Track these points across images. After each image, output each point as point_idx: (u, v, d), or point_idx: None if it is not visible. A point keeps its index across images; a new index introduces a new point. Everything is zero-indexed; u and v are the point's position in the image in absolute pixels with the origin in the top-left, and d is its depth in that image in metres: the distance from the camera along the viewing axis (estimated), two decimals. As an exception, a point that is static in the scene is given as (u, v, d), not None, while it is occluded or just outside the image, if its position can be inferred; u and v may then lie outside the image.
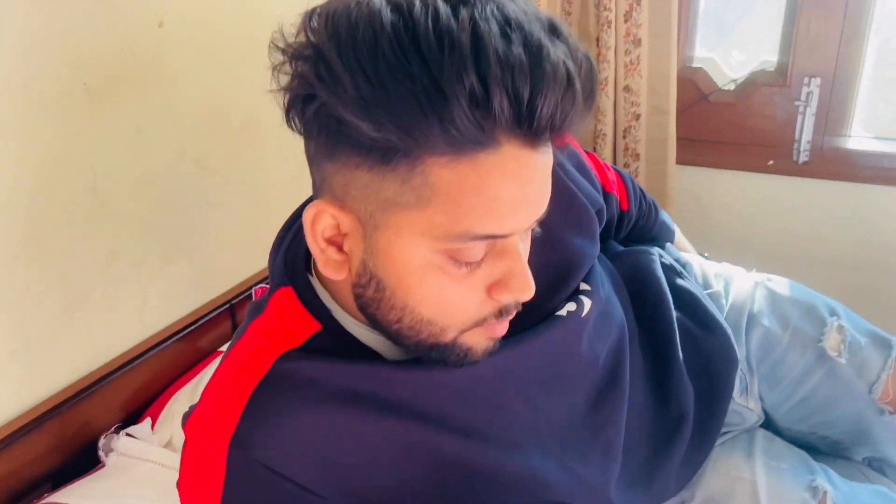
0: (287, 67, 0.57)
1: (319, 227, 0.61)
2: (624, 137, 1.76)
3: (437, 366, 0.66)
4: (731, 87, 1.80)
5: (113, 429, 1.05)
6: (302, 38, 0.56)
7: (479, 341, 0.65)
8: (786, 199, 1.81)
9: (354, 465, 0.66)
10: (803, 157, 1.76)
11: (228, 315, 1.25)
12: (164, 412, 1.08)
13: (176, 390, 1.11)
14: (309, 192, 0.67)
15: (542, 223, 0.67)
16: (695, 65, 1.81)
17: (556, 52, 0.52)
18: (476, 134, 0.52)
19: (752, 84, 1.77)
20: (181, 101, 1.10)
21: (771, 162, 1.79)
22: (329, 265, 0.63)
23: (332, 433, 0.65)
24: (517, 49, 0.50)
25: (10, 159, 0.88)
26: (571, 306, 0.77)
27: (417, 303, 0.61)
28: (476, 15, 0.51)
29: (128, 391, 1.08)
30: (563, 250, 0.79)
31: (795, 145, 1.76)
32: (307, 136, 0.60)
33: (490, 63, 0.50)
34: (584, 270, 0.81)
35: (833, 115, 1.71)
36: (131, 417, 1.09)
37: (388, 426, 0.67)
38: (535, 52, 0.51)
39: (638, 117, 1.73)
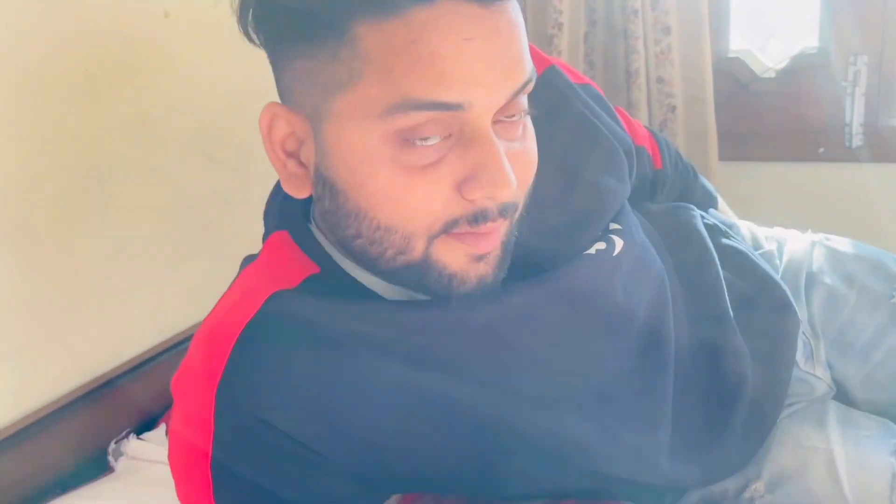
0: None
1: (276, 135, 0.57)
2: (661, 131, 1.68)
3: (446, 305, 0.59)
4: (772, 74, 1.72)
5: (124, 433, 0.99)
6: None
7: (458, 259, 0.56)
8: (841, 188, 1.70)
9: (357, 417, 0.59)
10: (856, 141, 1.65)
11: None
12: (178, 416, 1.01)
13: (192, 393, 1.05)
14: None
15: (562, 157, 0.60)
16: (731, 56, 1.74)
17: None
18: None
19: (793, 70, 1.69)
20: (188, 94, 1.08)
21: (822, 149, 1.69)
22: (291, 181, 0.58)
23: (328, 378, 0.58)
24: None
25: (9, 148, 0.85)
26: (601, 245, 0.69)
27: (372, 203, 0.53)
28: None
29: (141, 396, 1.03)
30: (588, 188, 0.71)
31: (846, 129, 1.65)
32: (263, 45, 0.56)
33: None
34: (614, 209, 0.73)
35: (885, 92, 1.62)
36: (147, 423, 1.03)
37: (390, 371, 0.59)
38: None
39: (674, 109, 1.65)
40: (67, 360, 0.95)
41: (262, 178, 1.18)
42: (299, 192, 0.57)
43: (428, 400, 0.60)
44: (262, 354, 0.56)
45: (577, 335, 0.66)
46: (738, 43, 1.76)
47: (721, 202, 1.09)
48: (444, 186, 0.52)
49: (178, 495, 0.61)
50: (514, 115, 0.54)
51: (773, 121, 1.73)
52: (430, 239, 0.54)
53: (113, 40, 0.97)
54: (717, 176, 1.71)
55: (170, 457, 0.61)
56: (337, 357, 0.57)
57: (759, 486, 0.78)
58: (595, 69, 1.70)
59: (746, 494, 0.78)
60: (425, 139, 0.50)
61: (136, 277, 1.03)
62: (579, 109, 0.73)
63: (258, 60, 1.14)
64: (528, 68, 0.53)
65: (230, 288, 0.63)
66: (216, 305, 0.62)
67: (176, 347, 1.07)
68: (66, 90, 0.92)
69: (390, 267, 0.56)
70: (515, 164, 0.53)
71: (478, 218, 0.53)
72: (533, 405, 0.63)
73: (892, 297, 0.87)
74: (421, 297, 0.61)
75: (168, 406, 1.06)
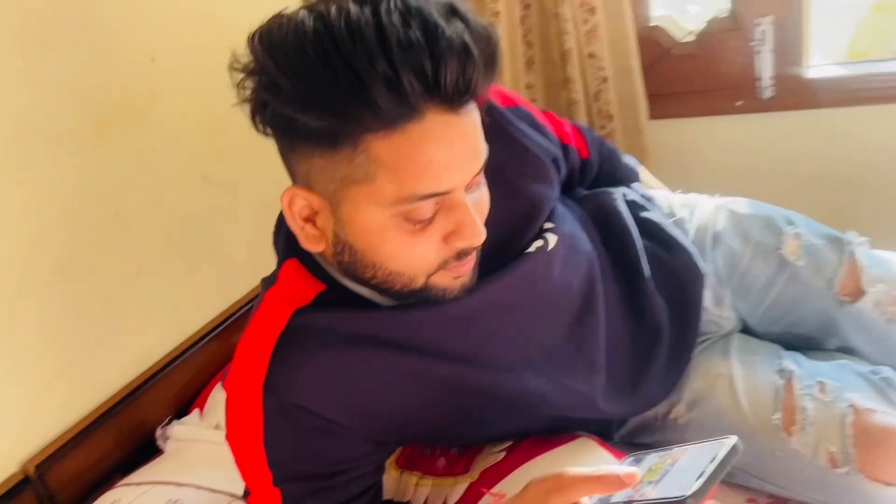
0: (242, 84, 0.70)
1: (295, 208, 0.74)
2: (596, 101, 1.86)
3: (428, 305, 0.78)
4: (691, 38, 1.90)
5: (166, 421, 1.18)
6: (249, 57, 0.69)
7: (448, 282, 0.76)
8: (758, 136, 1.91)
9: (369, 397, 0.79)
10: (768, 93, 1.85)
11: (253, 313, 1.37)
12: (208, 402, 1.20)
13: (216, 382, 1.24)
14: None
15: (501, 175, 0.78)
16: (653, 24, 1.92)
17: (453, 29, 0.63)
18: (398, 109, 0.63)
19: (709, 33, 1.87)
20: (181, 124, 1.23)
21: (739, 102, 1.89)
22: (308, 239, 0.76)
23: (346, 371, 0.77)
24: (415, 33, 0.61)
25: (41, 192, 1.01)
26: (539, 243, 0.89)
27: (384, 259, 0.72)
28: (381, 9, 0.63)
29: (174, 388, 1.21)
30: (524, 197, 0.90)
31: (758, 83, 1.85)
32: (273, 136, 0.73)
33: (393, 48, 0.61)
34: (546, 212, 0.92)
35: (789, 48, 1.81)
36: (181, 411, 1.22)
37: (395, 361, 0.79)
38: (431, 32, 0.62)
39: (606, 80, 1.83)
40: (107, 367, 1.13)
41: (247, 191, 1.36)
42: (315, 247, 0.75)
43: (424, 378, 0.80)
44: (293, 357, 0.76)
45: (527, 314, 0.86)
46: (659, 10, 1.93)
47: (643, 172, 1.28)
48: (435, 241, 0.71)
49: (238, 466, 0.81)
50: (476, 177, 0.72)
51: (694, 80, 1.92)
52: (429, 276, 0.74)
53: (113, 89, 1.12)
54: (649, 134, 1.91)
55: (228, 438, 0.80)
56: (350, 354, 0.77)
57: (680, 409, 1.00)
58: (533, 48, 1.87)
59: (672, 416, 1.00)
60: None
61: (154, 290, 1.20)
62: (510, 134, 0.91)
63: (232, 90, 1.30)
64: (485, 149, 0.71)
65: (260, 307, 0.81)
66: (251, 321, 0.81)
67: (195, 345, 1.25)
68: (81, 138, 1.07)
69: (396, 291, 0.75)
70: (479, 208, 0.73)
71: (460, 256, 0.73)
72: (500, 370, 0.84)
73: (779, 248, 1.08)
74: (406, 302, 0.81)
75: (196, 394, 1.25)
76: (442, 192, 0.68)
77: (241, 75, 0.71)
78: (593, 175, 1.17)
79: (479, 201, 0.75)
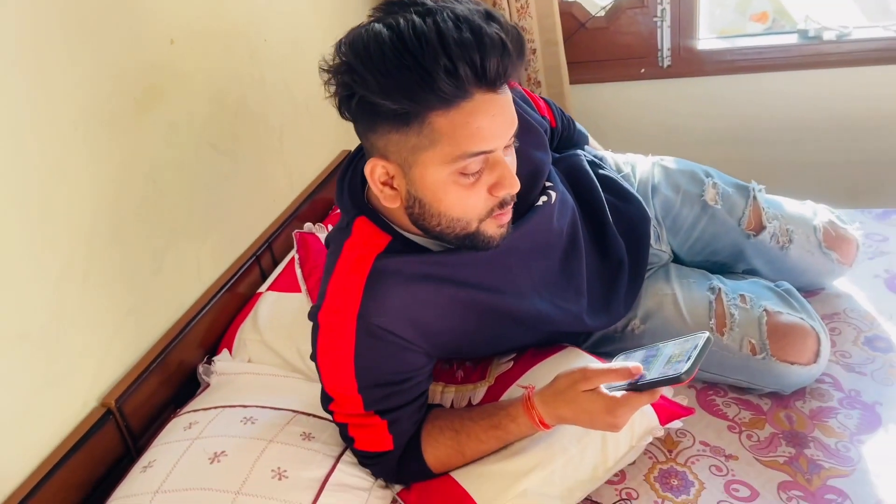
0: (330, 80, 0.91)
1: (376, 175, 0.95)
2: (526, 70, 2.12)
3: (471, 251, 1.02)
4: (602, 13, 2.19)
5: (204, 360, 1.35)
6: (337, 59, 0.91)
7: (493, 229, 1.00)
8: (659, 98, 2.24)
9: (430, 321, 1.02)
10: (667, 62, 2.18)
11: (256, 265, 1.55)
12: (235, 342, 1.38)
13: (238, 325, 1.41)
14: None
15: (518, 148, 1.02)
16: (571, 0, 2.19)
17: (491, 30, 0.86)
18: (456, 92, 0.86)
19: (618, 9, 2.17)
20: (195, 99, 1.37)
21: (643, 70, 2.21)
22: (387, 198, 0.97)
23: (416, 302, 1.00)
24: (466, 34, 0.84)
25: (96, 165, 1.14)
26: (544, 198, 1.14)
27: (447, 208, 0.95)
28: (438, 19, 0.85)
29: (202, 333, 1.38)
30: (530, 161, 1.14)
31: (659, 53, 2.17)
32: (355, 121, 0.94)
33: (451, 47, 0.84)
34: (546, 173, 1.17)
35: (683, 24, 2.13)
36: (210, 351, 1.39)
37: (447, 292, 1.03)
38: (477, 34, 0.85)
39: (535, 51, 2.09)
40: (154, 315, 1.29)
41: (245, 157, 1.52)
42: (392, 204, 0.96)
43: (467, 304, 1.04)
44: (380, 291, 0.98)
45: (536, 253, 1.12)
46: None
47: (591, 138, 1.56)
48: (483, 192, 0.95)
49: (325, 380, 1.03)
50: (510, 142, 0.96)
51: (606, 50, 2.22)
52: (480, 221, 0.97)
53: (145, 70, 1.24)
54: (570, 97, 2.19)
55: (319, 358, 1.02)
56: (418, 288, 1.00)
57: (636, 322, 1.30)
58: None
59: (629, 328, 1.30)
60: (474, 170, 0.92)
61: (183, 248, 1.35)
62: (519, 112, 1.14)
63: (241, 68, 1.46)
64: (516, 119, 0.95)
65: (342, 255, 1.01)
66: (338, 266, 1.01)
67: (216, 295, 1.41)
68: (123, 113, 1.19)
69: (455, 236, 0.97)
70: (512, 166, 0.96)
71: (502, 204, 0.97)
72: (519, 298, 1.09)
73: (702, 195, 1.39)
74: (452, 247, 1.03)
75: (220, 337, 1.42)
76: (488, 150, 0.92)
77: (327, 75, 0.91)
78: (559, 141, 1.43)
79: (511, 161, 0.99)
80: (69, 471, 1.08)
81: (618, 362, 0.99)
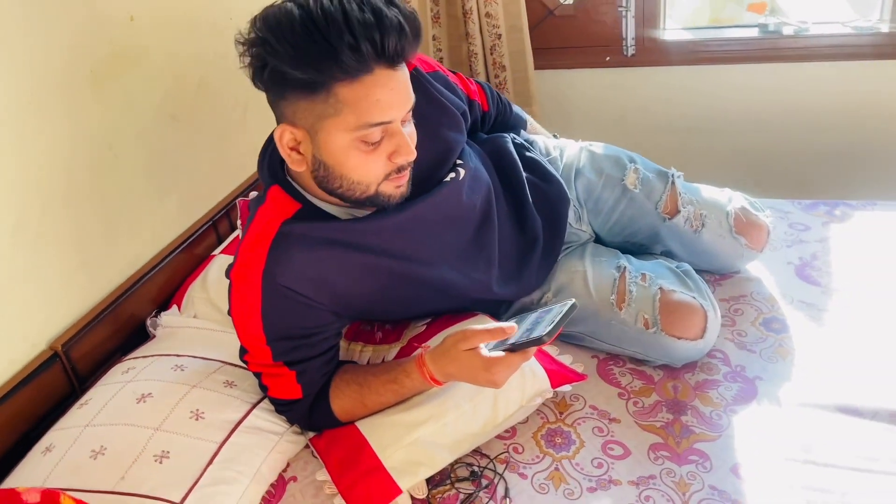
0: (245, 52, 1.01)
1: (284, 140, 1.06)
2: (491, 54, 2.20)
3: (376, 217, 1.12)
4: (570, 1, 2.26)
5: (153, 314, 1.48)
6: (252, 34, 1.01)
7: (392, 190, 1.09)
8: (622, 86, 2.31)
9: (337, 283, 1.13)
10: (631, 51, 2.25)
11: (212, 229, 1.66)
12: (185, 299, 1.50)
13: (189, 284, 1.53)
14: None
15: (427, 125, 1.12)
16: (540, -13, 2.26)
17: (391, 13, 0.96)
18: (357, 66, 0.96)
19: (585, -2, 2.24)
20: (155, 72, 1.47)
21: (608, 58, 2.28)
22: (294, 162, 1.07)
23: (320, 264, 1.11)
24: (368, 15, 0.95)
25: (50, 131, 1.25)
26: (453, 174, 1.24)
27: (349, 171, 1.05)
28: (344, 0, 0.95)
29: (155, 288, 1.50)
30: (442, 140, 1.24)
31: (623, 42, 2.24)
32: (267, 90, 1.04)
33: (354, 25, 0.94)
34: (458, 152, 1.27)
35: (648, 14, 2.20)
36: (162, 307, 1.52)
37: (353, 257, 1.13)
38: (378, 15, 0.96)
39: (500, 37, 2.17)
40: (107, 270, 1.41)
41: (207, 127, 1.63)
42: (299, 168, 1.07)
43: (373, 269, 1.15)
44: (282, 254, 1.08)
45: (443, 225, 1.22)
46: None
47: (530, 122, 1.65)
48: (382, 158, 1.05)
49: (239, 333, 1.14)
50: (408, 116, 1.06)
51: (572, 38, 2.29)
52: (378, 184, 1.07)
53: (102, 44, 1.35)
54: (534, 82, 2.27)
55: (232, 312, 1.13)
56: (322, 252, 1.10)
57: (549, 295, 1.39)
58: (439, 5, 2.18)
59: (543, 300, 1.39)
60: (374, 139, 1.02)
61: (138, 211, 1.47)
62: (432, 94, 1.24)
63: (199, 44, 1.56)
64: (412, 96, 1.04)
65: (254, 220, 1.12)
66: (249, 230, 1.12)
67: (169, 255, 1.53)
68: (80, 85, 1.30)
69: (356, 198, 1.07)
70: (410, 137, 1.06)
71: (399, 169, 1.07)
72: (428, 266, 1.20)
73: (622, 179, 1.47)
74: (360, 214, 1.14)
75: (172, 294, 1.54)
76: (386, 121, 1.02)
77: (242, 48, 1.01)
78: (490, 123, 1.53)
79: (410, 133, 1.08)
80: (16, 404, 1.20)
81: (492, 324, 1.09)
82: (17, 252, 1.20)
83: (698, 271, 1.45)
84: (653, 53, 2.23)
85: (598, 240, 1.53)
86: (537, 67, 2.25)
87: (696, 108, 2.26)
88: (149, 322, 1.46)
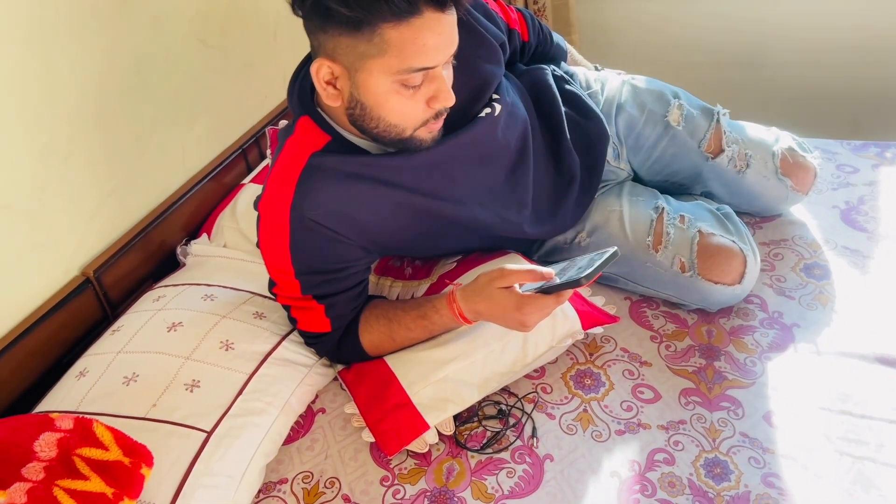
0: None
1: (321, 75, 1.01)
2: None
3: (408, 154, 1.09)
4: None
5: (183, 241, 1.48)
6: None
7: (426, 135, 1.06)
8: (669, 15, 2.20)
9: (365, 218, 1.10)
10: (679, -23, 2.14)
11: (242, 157, 1.64)
12: (214, 228, 1.50)
13: (219, 213, 1.52)
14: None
15: (462, 57, 1.07)
16: None
17: None
18: (408, 7, 0.91)
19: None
20: (184, -6, 1.44)
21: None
22: (330, 97, 1.04)
23: (349, 199, 1.08)
24: None
25: (78, 53, 1.22)
26: (488, 110, 1.19)
27: (386, 114, 1.02)
28: None
29: (185, 216, 1.49)
30: (478, 74, 1.19)
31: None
32: (306, 18, 0.99)
33: None
34: (494, 85, 1.22)
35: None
36: (192, 235, 1.51)
37: (382, 193, 1.10)
38: None
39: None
40: (137, 196, 1.40)
41: (236, 52, 1.59)
42: (335, 102, 1.03)
43: (402, 206, 1.12)
44: (311, 187, 1.06)
45: (476, 163, 1.18)
46: None
47: (571, 52, 1.58)
48: (421, 104, 1.01)
49: (268, 265, 1.13)
50: (450, 59, 1.01)
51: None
52: (414, 129, 1.03)
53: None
54: (575, 9, 2.17)
55: (261, 245, 1.11)
56: (351, 186, 1.08)
57: (583, 235, 1.36)
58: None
59: (576, 240, 1.36)
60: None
61: (167, 136, 1.45)
62: (470, 23, 1.18)
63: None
64: (457, 38, 0.99)
65: (283, 151, 1.09)
66: (277, 161, 1.09)
67: (199, 183, 1.52)
68: (108, 5, 1.27)
69: (389, 139, 1.04)
70: (449, 81, 1.01)
71: (437, 115, 1.03)
72: (459, 204, 1.16)
73: (665, 116, 1.42)
74: (391, 150, 1.10)
75: (202, 222, 1.54)
76: (430, 66, 0.98)
77: None
78: (530, 54, 1.46)
79: (449, 76, 1.04)
80: (49, 329, 1.22)
81: (530, 265, 1.07)
82: (47, 176, 1.20)
83: (739, 213, 1.41)
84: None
85: (637, 178, 1.48)
86: (578, -4, 2.16)
87: (746, 39, 2.16)
88: (179, 250, 1.46)
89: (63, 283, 1.26)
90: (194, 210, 1.52)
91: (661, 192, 1.41)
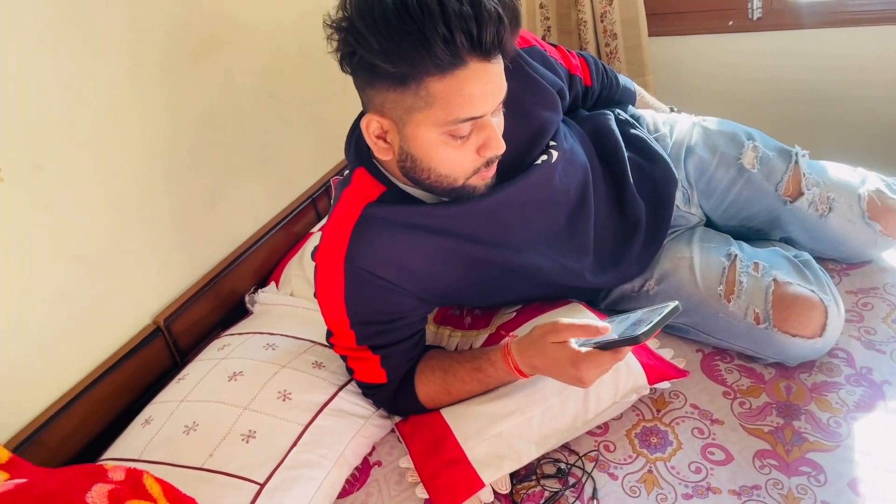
0: (333, 36, 0.96)
1: (371, 129, 1.02)
2: (601, 21, 2.08)
3: (462, 203, 1.08)
4: (690, -39, 2.10)
5: (251, 290, 1.51)
6: (340, 14, 0.95)
7: (478, 182, 1.05)
8: (746, 53, 2.13)
9: (419, 268, 1.10)
10: (757, 14, 2.07)
11: (311, 207, 1.68)
12: (282, 276, 1.52)
13: (287, 261, 1.55)
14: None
15: (517, 104, 1.05)
16: (655, -53, 2.11)
17: (490, 3, 0.89)
18: (451, 59, 0.90)
19: (706, -44, 2.07)
20: (253, 50, 1.49)
21: (731, 22, 2.10)
22: (381, 151, 1.04)
23: (403, 249, 1.08)
24: (465, 7, 0.88)
25: (150, 110, 1.28)
26: (544, 157, 1.17)
27: (437, 165, 1.01)
28: None
29: (254, 265, 1.53)
30: (533, 120, 1.17)
31: (749, 4, 2.06)
32: (354, 76, 1.00)
33: (451, 16, 0.87)
34: (551, 132, 1.20)
35: (779, -27, 2.01)
36: (261, 283, 1.54)
37: (436, 241, 1.09)
38: (476, 5, 0.88)
39: (611, 2, 2.04)
40: (208, 246, 1.45)
41: (306, 105, 1.63)
42: (386, 156, 1.03)
43: (457, 255, 1.10)
44: (365, 237, 1.06)
45: (532, 210, 1.15)
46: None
47: (640, 94, 1.54)
48: (471, 153, 1.00)
49: (324, 315, 1.13)
50: (499, 107, 1.00)
51: (690, 1, 2.12)
52: (466, 178, 1.03)
53: (201, 23, 1.37)
54: (648, 50, 2.13)
55: (318, 295, 1.12)
56: (405, 236, 1.07)
57: (651, 283, 1.31)
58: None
59: (644, 288, 1.31)
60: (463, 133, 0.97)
61: (238, 188, 1.50)
62: (525, 71, 1.17)
63: (305, 18, 1.55)
64: (505, 86, 0.98)
65: (339, 202, 1.11)
66: (333, 212, 1.10)
67: (268, 233, 1.56)
68: (179, 62, 1.33)
69: (442, 189, 1.04)
70: (499, 128, 1.00)
71: (488, 163, 1.02)
72: (515, 252, 1.14)
73: (739, 158, 1.35)
74: (445, 199, 1.10)
75: (271, 271, 1.57)
76: (477, 116, 0.97)
77: (330, 30, 0.97)
78: (594, 99, 1.44)
79: (499, 123, 1.03)
80: (121, 376, 1.26)
81: (585, 320, 1.03)
82: (121, 228, 1.25)
83: (823, 260, 1.33)
84: (782, 16, 2.04)
85: (710, 223, 1.41)
86: (651, 34, 2.11)
87: (828, 76, 2.05)
88: (247, 298, 1.49)
89: (135, 331, 1.31)
90: (264, 259, 1.56)
91: (737, 238, 1.34)
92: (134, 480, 0.87)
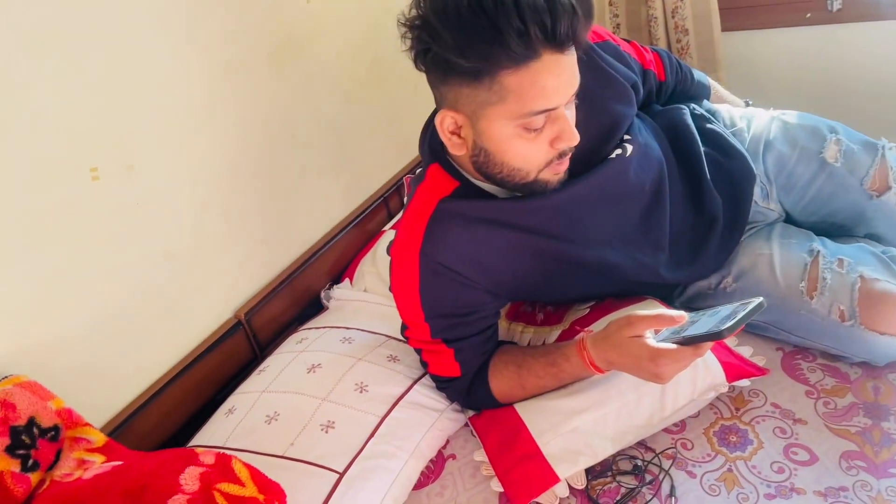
0: (407, 34, 0.98)
1: (445, 125, 1.03)
2: (673, 17, 2.05)
3: (535, 197, 1.08)
4: (765, -47, 2.05)
5: (326, 286, 1.54)
6: (414, 13, 0.97)
7: (551, 176, 1.05)
8: (824, 46, 2.06)
9: (492, 262, 1.10)
10: (837, 5, 2.00)
11: (384, 205, 1.70)
12: (356, 273, 1.56)
13: (361, 258, 1.58)
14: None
15: (590, 98, 1.05)
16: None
17: None
18: (525, 52, 0.91)
19: (784, -53, 2.02)
20: (328, 53, 1.52)
21: (808, 14, 2.04)
22: (454, 146, 1.05)
23: (476, 243, 1.09)
24: (539, 0, 0.88)
25: (234, 113, 1.33)
26: (619, 151, 1.16)
27: (510, 159, 1.02)
28: None
29: (329, 262, 1.57)
30: (607, 114, 1.17)
31: (828, -4, 2.00)
32: (428, 72, 1.02)
33: (524, 10, 0.88)
34: (625, 126, 1.19)
35: (860, -37, 1.94)
36: (335, 279, 1.58)
37: (509, 236, 1.10)
38: None
39: (684, -4, 2.02)
40: (285, 244, 1.49)
41: (379, 106, 1.66)
42: (459, 152, 1.05)
43: (529, 249, 1.11)
44: (440, 231, 1.08)
45: (606, 205, 1.15)
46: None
47: (715, 89, 1.52)
48: (544, 145, 1.00)
49: (399, 308, 1.15)
50: (572, 98, 1.00)
51: (766, -7, 2.07)
52: (539, 171, 1.03)
53: (279, 27, 1.41)
54: (721, 45, 2.09)
55: (393, 289, 1.14)
56: (478, 230, 1.08)
57: (728, 280, 1.28)
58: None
59: (721, 285, 1.28)
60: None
61: (313, 187, 1.53)
62: (599, 65, 1.17)
63: (376, 21, 1.59)
64: (579, 77, 0.98)
65: (414, 197, 1.12)
66: (408, 207, 1.12)
67: (343, 230, 1.59)
68: (260, 66, 1.37)
69: (514, 183, 1.04)
70: (572, 120, 1.00)
71: (561, 156, 1.02)
72: (587, 247, 1.14)
73: (821, 152, 1.31)
74: (518, 194, 1.10)
75: (345, 267, 1.60)
76: (551, 108, 0.97)
77: (405, 28, 0.99)
78: (668, 94, 1.42)
79: (572, 115, 1.03)
80: (205, 368, 1.31)
81: (658, 309, 1.02)
82: (205, 226, 1.30)
83: (911, 257, 1.27)
84: (863, 7, 1.97)
85: (790, 219, 1.37)
86: (724, 29, 2.06)
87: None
88: (322, 294, 1.53)
89: (217, 325, 1.35)
90: (338, 256, 1.59)
91: (818, 235, 1.31)
92: (223, 464, 0.91)
